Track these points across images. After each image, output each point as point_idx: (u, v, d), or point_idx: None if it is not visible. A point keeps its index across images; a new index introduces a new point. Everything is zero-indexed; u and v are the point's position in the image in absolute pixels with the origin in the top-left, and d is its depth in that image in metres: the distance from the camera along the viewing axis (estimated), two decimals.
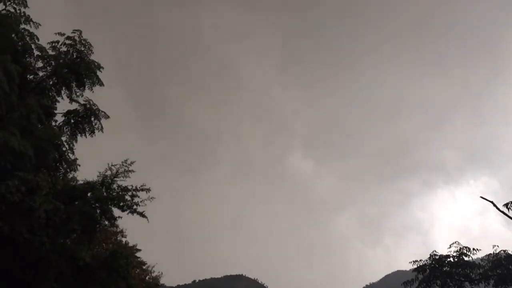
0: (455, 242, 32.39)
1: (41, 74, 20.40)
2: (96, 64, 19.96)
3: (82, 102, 20.65)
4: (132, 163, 23.02)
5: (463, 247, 31.58)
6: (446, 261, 31.34)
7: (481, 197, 26.27)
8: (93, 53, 19.92)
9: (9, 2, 18.54)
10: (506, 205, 24.13)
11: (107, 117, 20.90)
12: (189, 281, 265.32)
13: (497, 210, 24.85)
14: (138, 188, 22.76)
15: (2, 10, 18.64)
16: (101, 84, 20.38)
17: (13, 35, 19.09)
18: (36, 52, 19.86)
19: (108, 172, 22.71)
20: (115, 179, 22.57)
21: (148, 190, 22.94)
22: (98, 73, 20.28)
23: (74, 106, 20.82)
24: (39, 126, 19.25)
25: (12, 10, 18.64)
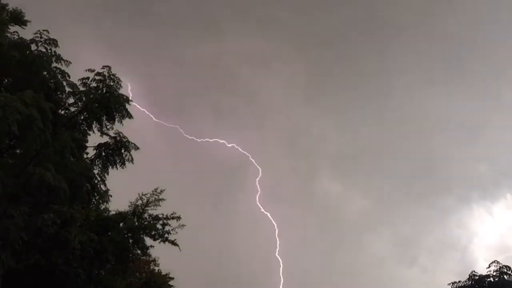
0: (495, 261, 31.30)
1: (72, 109, 21.03)
2: (125, 97, 20.43)
3: (113, 135, 21.11)
4: (162, 191, 23.35)
5: (502, 266, 30.47)
6: (486, 282, 30.32)
7: None
8: (121, 87, 20.40)
9: (40, 43, 19.42)
10: None
11: (136, 148, 21.30)
12: None
13: None
14: (168, 216, 23.03)
15: (35, 50, 19.53)
16: (130, 116, 20.80)
17: (45, 73, 19.93)
18: (67, 89, 20.56)
19: (139, 202, 23.09)
20: (146, 208, 22.91)
21: (178, 218, 23.17)
22: (127, 106, 20.72)
23: (105, 139, 21.30)
24: (72, 159, 19.79)
25: (44, 50, 19.51)
